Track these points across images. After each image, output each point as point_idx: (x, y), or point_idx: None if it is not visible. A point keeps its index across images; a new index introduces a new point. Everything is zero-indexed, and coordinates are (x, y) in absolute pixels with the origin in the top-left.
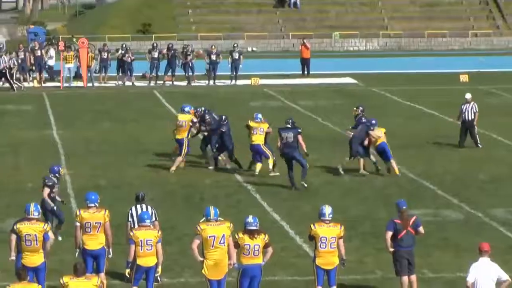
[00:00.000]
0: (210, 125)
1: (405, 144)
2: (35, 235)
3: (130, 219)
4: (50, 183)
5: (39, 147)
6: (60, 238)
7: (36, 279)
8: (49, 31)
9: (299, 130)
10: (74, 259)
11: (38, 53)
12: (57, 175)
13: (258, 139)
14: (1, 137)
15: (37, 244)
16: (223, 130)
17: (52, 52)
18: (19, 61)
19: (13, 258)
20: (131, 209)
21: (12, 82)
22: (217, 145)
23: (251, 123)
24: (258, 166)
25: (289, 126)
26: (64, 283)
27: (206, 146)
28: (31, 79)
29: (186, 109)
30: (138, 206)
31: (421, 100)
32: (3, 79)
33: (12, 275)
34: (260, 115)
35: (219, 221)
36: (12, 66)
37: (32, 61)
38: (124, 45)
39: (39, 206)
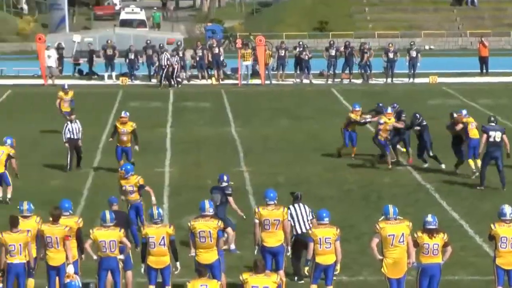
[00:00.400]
0: (404, 124)
1: None
2: (209, 231)
3: (290, 218)
4: (232, 192)
5: (218, 144)
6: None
7: (211, 276)
8: (226, 28)
9: (504, 130)
10: (253, 256)
11: (216, 50)
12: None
13: (476, 133)
14: (182, 133)
15: (211, 241)
16: (425, 124)
17: (216, 51)
18: (197, 58)
19: (193, 254)
20: (289, 209)
21: (162, 80)
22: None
23: (467, 119)
24: (472, 162)
25: (493, 124)
26: (244, 280)
27: (396, 145)
28: (209, 76)
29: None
30: (296, 205)
31: None
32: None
33: (192, 271)
34: (464, 111)
35: (398, 220)
36: (175, 64)
37: (210, 59)
38: (301, 43)
39: (213, 203)
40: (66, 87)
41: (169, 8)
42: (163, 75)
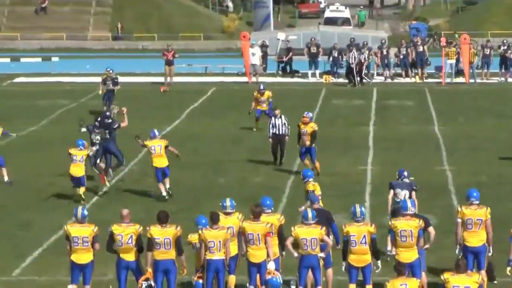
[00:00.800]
0: None
1: None
2: (411, 231)
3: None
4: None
5: (421, 142)
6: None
7: (411, 275)
8: (431, 26)
9: None
10: (455, 255)
11: (420, 48)
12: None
13: None
14: (385, 131)
15: (412, 240)
16: None
17: (420, 49)
18: (401, 56)
19: (393, 253)
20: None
21: (361, 77)
22: None
23: None
24: None
25: None
26: (445, 279)
27: None
28: (413, 74)
29: None
30: None
31: None
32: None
33: (392, 270)
34: None
35: None
36: (362, 61)
37: (414, 57)
38: (505, 41)
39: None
40: (261, 87)
41: (375, 6)
42: (353, 73)
